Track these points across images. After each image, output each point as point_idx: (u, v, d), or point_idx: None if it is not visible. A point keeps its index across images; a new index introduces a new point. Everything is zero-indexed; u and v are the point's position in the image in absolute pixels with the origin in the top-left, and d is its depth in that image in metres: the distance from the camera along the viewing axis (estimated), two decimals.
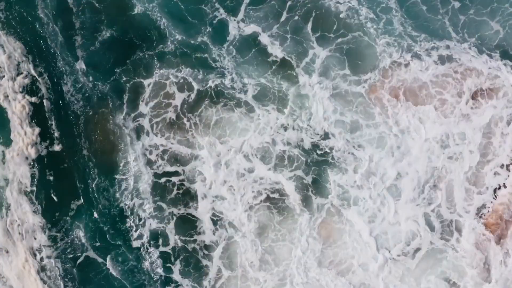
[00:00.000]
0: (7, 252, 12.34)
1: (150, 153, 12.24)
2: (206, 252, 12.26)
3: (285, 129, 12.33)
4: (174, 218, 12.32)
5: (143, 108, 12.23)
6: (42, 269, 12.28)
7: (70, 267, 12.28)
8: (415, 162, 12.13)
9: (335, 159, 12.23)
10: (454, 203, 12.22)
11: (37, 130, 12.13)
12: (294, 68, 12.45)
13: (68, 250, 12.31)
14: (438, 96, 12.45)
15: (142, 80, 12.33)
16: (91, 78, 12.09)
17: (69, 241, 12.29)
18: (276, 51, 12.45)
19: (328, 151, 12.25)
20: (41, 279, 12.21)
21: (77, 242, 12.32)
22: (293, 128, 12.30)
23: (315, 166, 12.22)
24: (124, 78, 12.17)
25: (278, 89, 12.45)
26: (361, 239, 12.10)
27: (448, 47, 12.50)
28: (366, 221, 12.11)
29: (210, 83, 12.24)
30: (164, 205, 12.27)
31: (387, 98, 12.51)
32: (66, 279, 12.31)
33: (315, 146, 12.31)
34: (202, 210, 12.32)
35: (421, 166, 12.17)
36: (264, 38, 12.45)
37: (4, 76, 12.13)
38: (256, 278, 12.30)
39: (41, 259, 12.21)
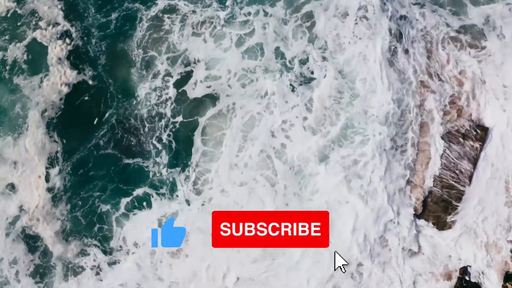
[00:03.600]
0: (24, 166, 14.08)
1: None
2: None
3: None
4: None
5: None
6: (51, 188, 14.04)
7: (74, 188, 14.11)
8: None
9: None
10: None
11: (74, 73, 14.42)
12: None
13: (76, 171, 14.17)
14: None
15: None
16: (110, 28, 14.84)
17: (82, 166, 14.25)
18: None
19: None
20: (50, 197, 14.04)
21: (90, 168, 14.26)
22: None
23: None
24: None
25: None
26: None
27: None
28: None
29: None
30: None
31: None
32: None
33: None
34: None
35: None
36: None
37: (43, 19, 14.61)
38: None
39: (50, 178, 13.97)
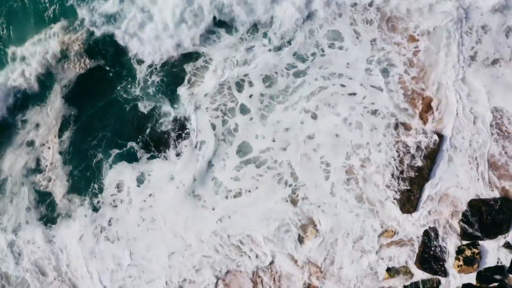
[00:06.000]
0: (44, 126, 16.70)
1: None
2: None
3: None
4: None
5: None
6: (62, 151, 16.61)
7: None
8: None
9: None
10: None
11: (92, 62, 16.58)
12: None
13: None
14: None
15: None
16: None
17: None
18: None
19: None
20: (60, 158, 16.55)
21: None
22: None
23: None
24: None
25: None
26: None
27: None
28: None
29: None
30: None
31: None
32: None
33: None
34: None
35: None
36: None
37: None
38: None
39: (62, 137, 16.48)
